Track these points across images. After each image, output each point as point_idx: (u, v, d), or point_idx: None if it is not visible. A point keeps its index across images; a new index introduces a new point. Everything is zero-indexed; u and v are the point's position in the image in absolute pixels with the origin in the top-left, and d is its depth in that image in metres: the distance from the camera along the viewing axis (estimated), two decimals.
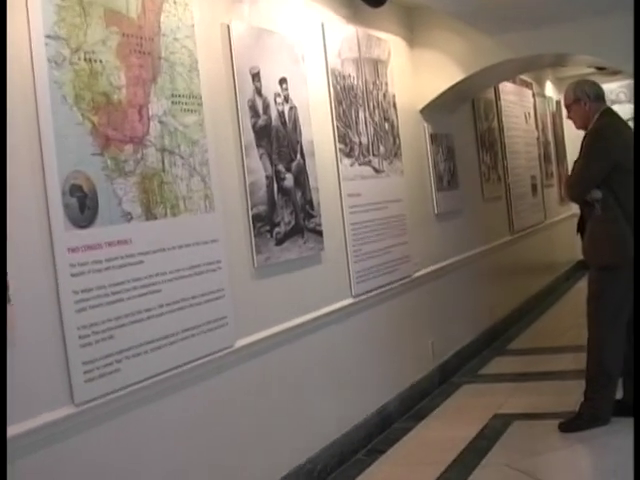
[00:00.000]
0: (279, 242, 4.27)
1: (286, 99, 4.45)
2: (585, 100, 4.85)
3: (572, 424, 4.86)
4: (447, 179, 6.73)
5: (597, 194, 4.73)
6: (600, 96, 4.90)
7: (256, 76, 4.21)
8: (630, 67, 5.22)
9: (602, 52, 6.05)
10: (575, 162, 4.92)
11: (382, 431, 5.21)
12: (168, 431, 3.42)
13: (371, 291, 5.24)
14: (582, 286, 4.98)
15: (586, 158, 4.80)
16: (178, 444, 3.47)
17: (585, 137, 4.86)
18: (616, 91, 11.19)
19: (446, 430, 5.23)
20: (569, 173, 5.22)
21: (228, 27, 4.06)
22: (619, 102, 10.77)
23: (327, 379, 4.71)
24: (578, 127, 4.99)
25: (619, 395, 4.92)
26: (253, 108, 4.17)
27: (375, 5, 5.35)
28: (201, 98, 3.79)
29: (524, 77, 9.66)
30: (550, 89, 11.26)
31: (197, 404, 3.61)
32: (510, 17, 5.71)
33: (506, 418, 5.27)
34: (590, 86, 4.92)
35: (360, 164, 5.23)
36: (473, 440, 4.93)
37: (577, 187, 4.86)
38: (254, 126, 4.16)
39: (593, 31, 5.87)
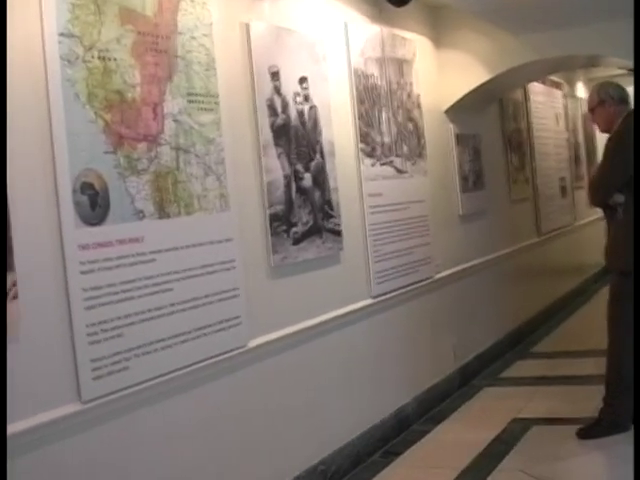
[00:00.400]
0: (296, 242, 4.26)
1: (306, 98, 4.44)
2: (609, 102, 4.78)
3: (591, 430, 4.79)
4: (472, 180, 6.67)
5: (619, 198, 4.66)
6: (624, 99, 4.83)
7: (275, 75, 4.20)
8: None
9: (630, 54, 5.95)
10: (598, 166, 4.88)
11: (399, 433, 5.17)
12: (178, 430, 3.42)
13: (391, 292, 5.21)
14: None
15: (609, 162, 4.73)
16: (188, 443, 3.47)
17: (608, 140, 4.79)
18: None
19: (464, 433, 5.19)
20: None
21: (247, 26, 4.06)
22: None
23: (344, 380, 4.69)
24: (602, 130, 4.92)
25: None
26: (271, 107, 4.15)
27: (399, 4, 5.31)
28: (218, 97, 3.79)
29: (554, 78, 9.55)
30: (582, 90, 11.12)
31: (209, 403, 3.61)
32: (536, 17, 5.65)
33: (525, 422, 5.21)
34: (614, 88, 4.85)
35: (382, 164, 5.20)
36: (490, 444, 4.88)
37: (600, 191, 4.79)
38: (272, 125, 4.15)
39: (620, 32, 5.77)
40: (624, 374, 4.73)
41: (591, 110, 4.92)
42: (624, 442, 4.63)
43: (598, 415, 4.83)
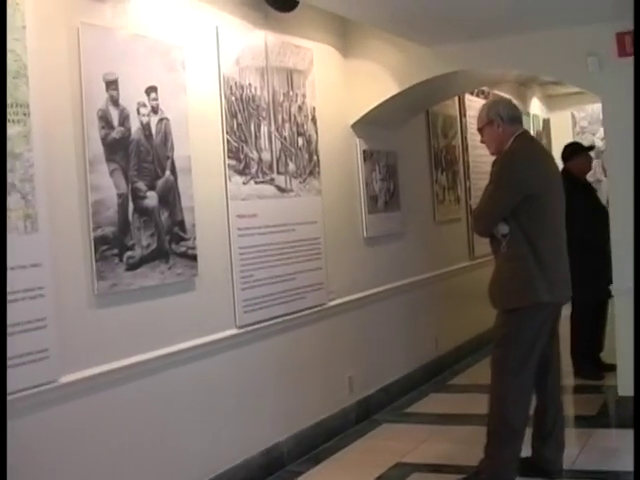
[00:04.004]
0: (132, 267, 3.86)
1: (154, 110, 4.05)
2: (498, 122, 4.36)
3: None
4: (384, 200, 6.25)
5: (504, 229, 4.25)
6: (516, 118, 4.42)
7: (112, 84, 3.82)
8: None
9: (546, 67, 5.68)
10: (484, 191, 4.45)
11: (269, 474, 4.76)
12: None
13: (265, 321, 4.81)
14: None
15: (493, 187, 4.33)
16: None
17: (494, 163, 4.39)
18: None
19: (338, 478, 4.77)
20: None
21: (77, 30, 3.67)
22: None
23: (201, 415, 4.31)
24: (491, 152, 4.49)
25: (527, 453, 4.44)
26: (105, 119, 3.77)
27: (283, 10, 4.92)
28: (29, 107, 3.41)
29: (502, 93, 9.11)
30: (537, 107, 10.70)
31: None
32: (446, 29, 5.28)
33: (407, 468, 4.80)
34: (505, 107, 4.45)
35: (258, 182, 4.80)
36: None
37: (483, 220, 4.39)
38: (105, 139, 3.76)
39: (533, 45, 5.47)
40: (509, 422, 4.31)
41: (479, 130, 4.51)
42: None
43: (477, 466, 4.41)
